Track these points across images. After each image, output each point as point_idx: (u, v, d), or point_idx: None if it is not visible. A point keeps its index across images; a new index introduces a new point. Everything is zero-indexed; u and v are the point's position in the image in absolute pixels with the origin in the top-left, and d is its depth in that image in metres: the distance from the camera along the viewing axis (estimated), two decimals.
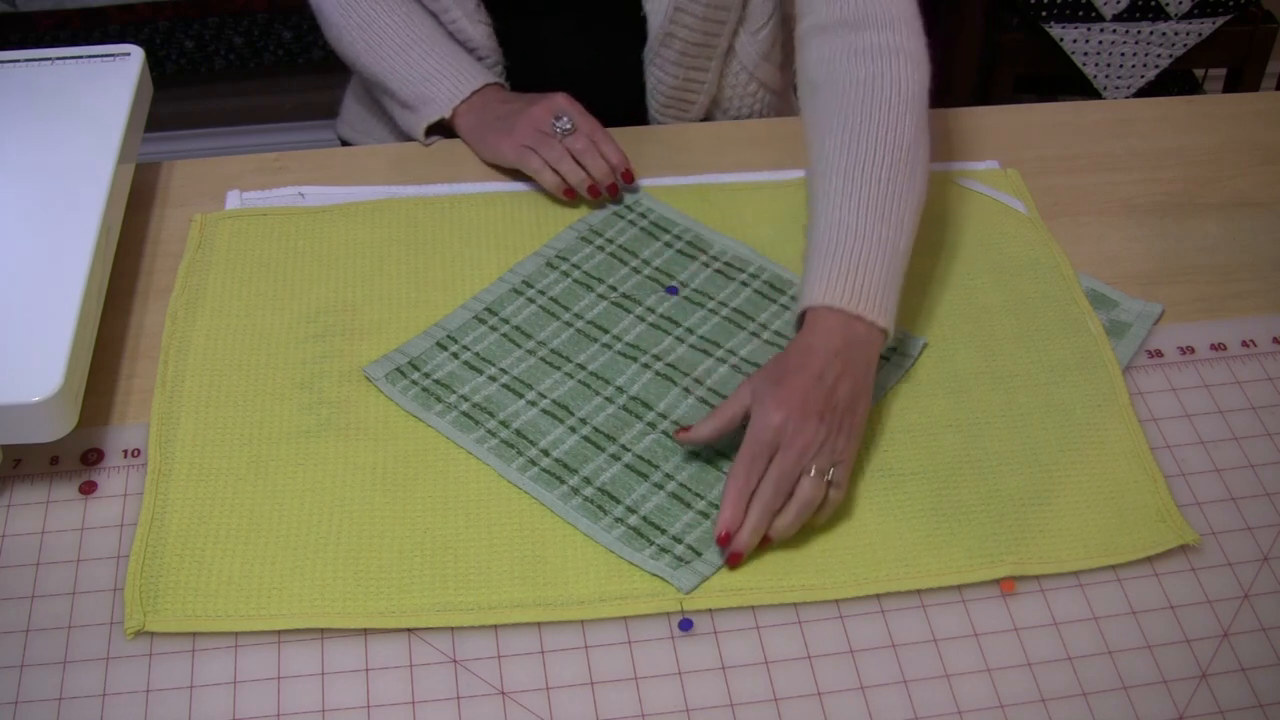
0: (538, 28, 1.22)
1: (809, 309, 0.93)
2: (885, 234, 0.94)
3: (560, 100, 1.13)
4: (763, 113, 1.30)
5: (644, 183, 1.15)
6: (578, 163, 1.11)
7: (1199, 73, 2.25)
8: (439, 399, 0.96)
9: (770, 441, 0.87)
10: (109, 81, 1.10)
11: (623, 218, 1.12)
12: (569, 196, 1.11)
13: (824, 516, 0.88)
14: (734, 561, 0.86)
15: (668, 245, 1.09)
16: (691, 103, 1.24)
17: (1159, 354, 1.02)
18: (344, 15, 1.18)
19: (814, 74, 1.04)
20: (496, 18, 1.20)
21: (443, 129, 1.19)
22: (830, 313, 0.91)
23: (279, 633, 0.83)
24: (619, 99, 1.22)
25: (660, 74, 1.20)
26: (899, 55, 1.01)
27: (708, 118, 1.28)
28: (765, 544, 0.87)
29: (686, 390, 0.97)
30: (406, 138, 1.23)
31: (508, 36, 1.21)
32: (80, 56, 1.12)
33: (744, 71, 1.23)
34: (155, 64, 2.21)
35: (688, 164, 1.18)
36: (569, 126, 1.11)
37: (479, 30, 1.19)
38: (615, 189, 1.11)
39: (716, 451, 0.93)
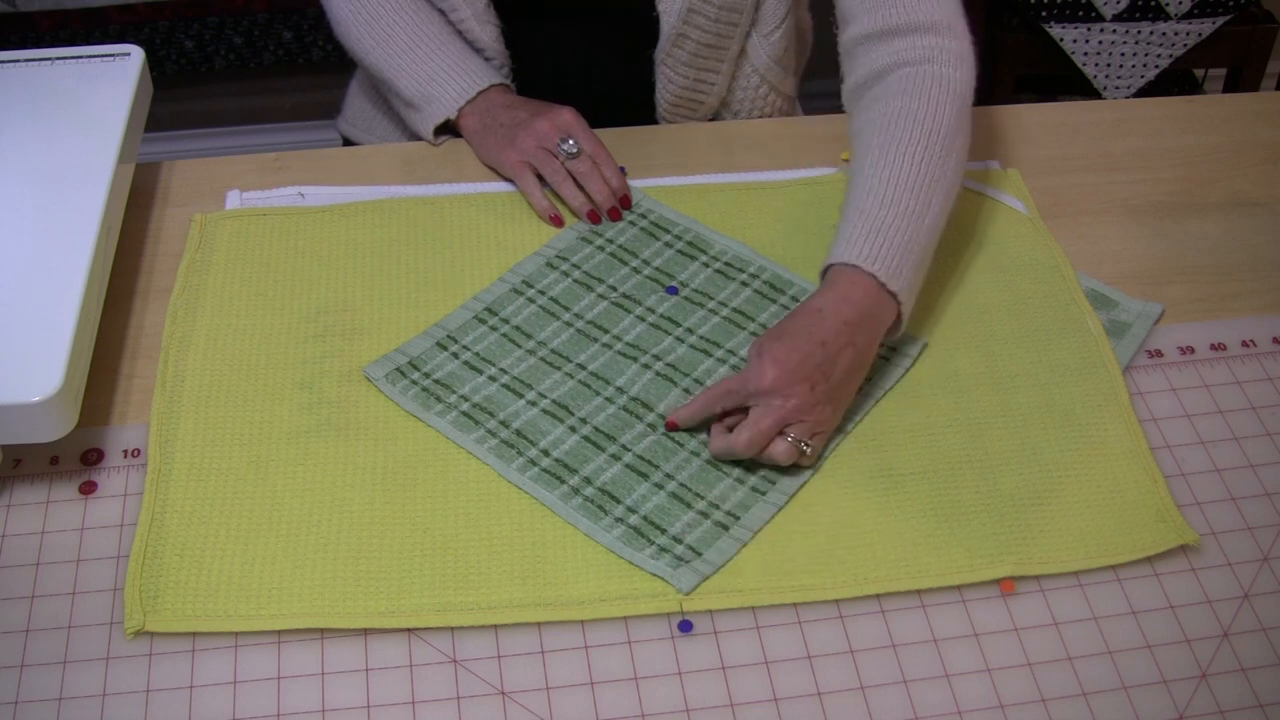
0: (548, 27, 1.21)
1: (830, 265, 0.95)
2: (911, 206, 0.96)
3: (567, 116, 1.12)
4: (772, 116, 1.30)
5: (647, 183, 1.15)
6: (578, 185, 1.11)
7: (1199, 73, 2.25)
8: (439, 399, 0.96)
9: (753, 394, 0.90)
10: (109, 81, 1.10)
11: (623, 217, 1.12)
12: (556, 224, 1.11)
13: (798, 464, 0.92)
14: (670, 426, 0.94)
15: (668, 245, 1.09)
16: (700, 103, 1.24)
17: (1159, 354, 1.02)
18: (352, 11, 1.18)
19: (861, 78, 1.06)
20: (505, 19, 1.20)
21: (450, 128, 1.19)
22: (849, 275, 0.94)
23: (279, 633, 0.83)
24: (627, 99, 1.22)
25: (671, 74, 1.20)
26: (943, 54, 1.03)
27: (715, 118, 1.27)
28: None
29: (687, 390, 0.97)
30: (411, 135, 1.23)
31: (516, 36, 1.21)
32: (80, 56, 1.12)
33: (755, 74, 1.23)
34: (155, 64, 2.21)
35: (692, 164, 1.18)
36: (574, 150, 1.10)
37: (487, 31, 1.19)
38: (617, 213, 1.11)
39: None
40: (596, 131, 1.13)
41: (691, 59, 1.19)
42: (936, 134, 0.99)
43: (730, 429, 0.92)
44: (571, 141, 1.11)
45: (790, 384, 0.89)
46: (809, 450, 0.91)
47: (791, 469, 0.92)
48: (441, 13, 1.19)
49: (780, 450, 0.90)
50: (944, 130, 1.00)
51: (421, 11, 1.18)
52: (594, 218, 1.10)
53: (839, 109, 1.12)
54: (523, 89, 1.21)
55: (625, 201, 1.12)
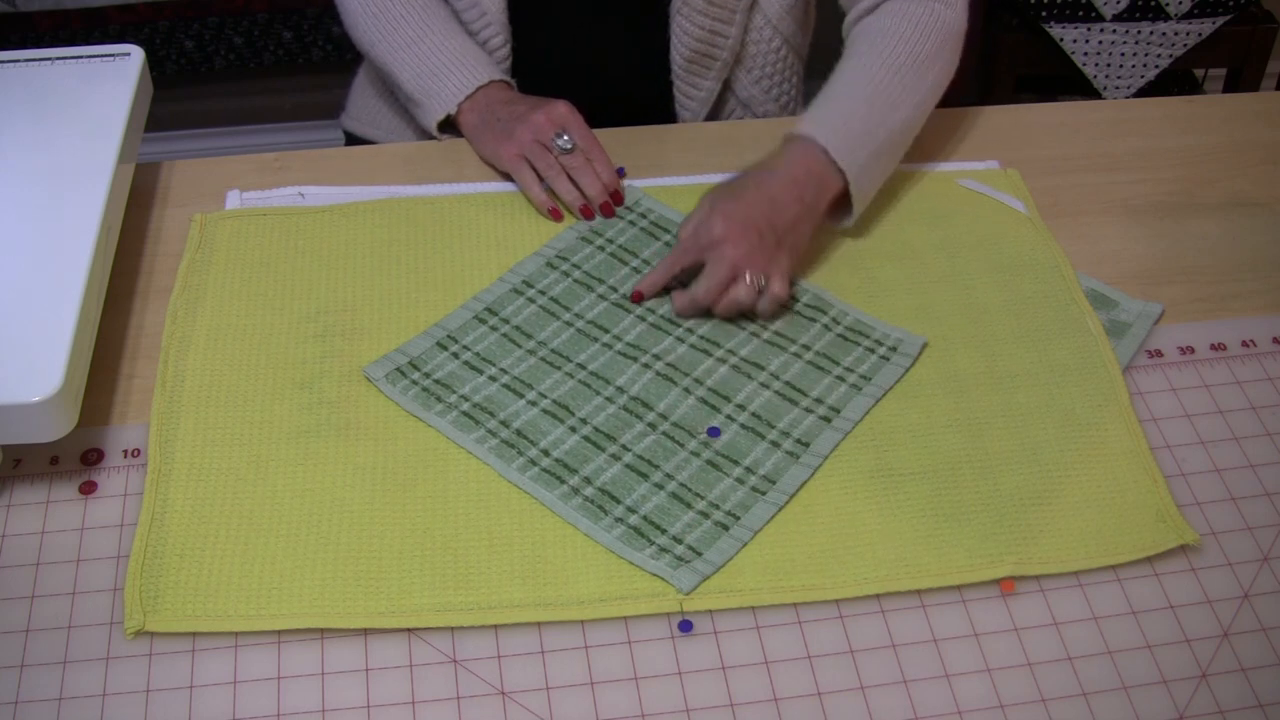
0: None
1: (788, 136, 1.06)
2: (877, 103, 1.07)
3: (562, 110, 1.13)
4: (786, 74, 1.30)
5: (652, 182, 1.15)
6: (572, 180, 1.11)
7: (1199, 73, 2.25)
8: (439, 399, 0.96)
9: (705, 246, 1.00)
10: (109, 81, 1.10)
11: (623, 218, 1.12)
12: (555, 217, 1.11)
13: (767, 309, 1.01)
14: (636, 298, 1.03)
15: (668, 245, 1.09)
16: (715, 59, 1.24)
17: (1159, 354, 1.02)
18: (360, 2, 1.19)
19: (861, 11, 1.15)
20: None
21: (453, 125, 1.19)
22: (802, 145, 1.05)
23: (279, 633, 0.83)
24: (640, 62, 1.22)
25: (687, 24, 1.20)
26: (938, 4, 1.13)
27: (730, 79, 1.28)
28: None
29: (687, 390, 0.97)
30: (417, 130, 1.23)
31: (525, 5, 1.21)
32: (80, 56, 1.12)
33: (768, 25, 1.24)
34: (155, 64, 2.21)
35: (696, 163, 1.18)
36: (569, 146, 1.11)
37: (494, 1, 1.19)
38: (610, 209, 1.11)
39: (718, 452, 0.93)
40: (608, 129, 1.13)
41: (706, 6, 1.20)
42: (916, 54, 1.09)
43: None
44: (566, 137, 1.11)
45: (739, 234, 0.99)
46: (768, 289, 0.98)
47: (791, 467, 0.92)
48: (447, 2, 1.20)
49: (741, 292, 0.99)
50: (924, 52, 1.10)
51: (430, 6, 1.19)
52: (587, 213, 1.11)
53: None
54: (533, 64, 1.22)
55: (617, 197, 1.12)
